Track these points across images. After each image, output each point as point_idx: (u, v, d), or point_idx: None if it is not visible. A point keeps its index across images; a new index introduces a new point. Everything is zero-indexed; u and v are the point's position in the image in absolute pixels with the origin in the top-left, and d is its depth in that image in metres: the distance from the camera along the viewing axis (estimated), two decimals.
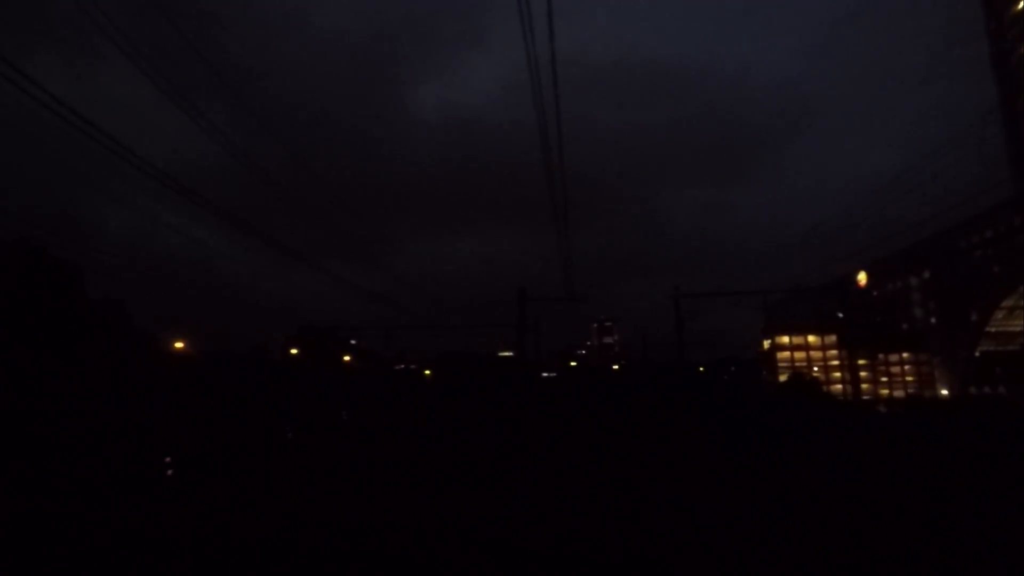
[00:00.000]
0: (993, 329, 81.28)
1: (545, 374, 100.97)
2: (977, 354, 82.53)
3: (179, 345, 53.33)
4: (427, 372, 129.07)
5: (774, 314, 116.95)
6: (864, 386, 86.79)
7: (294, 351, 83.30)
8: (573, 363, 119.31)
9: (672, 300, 35.55)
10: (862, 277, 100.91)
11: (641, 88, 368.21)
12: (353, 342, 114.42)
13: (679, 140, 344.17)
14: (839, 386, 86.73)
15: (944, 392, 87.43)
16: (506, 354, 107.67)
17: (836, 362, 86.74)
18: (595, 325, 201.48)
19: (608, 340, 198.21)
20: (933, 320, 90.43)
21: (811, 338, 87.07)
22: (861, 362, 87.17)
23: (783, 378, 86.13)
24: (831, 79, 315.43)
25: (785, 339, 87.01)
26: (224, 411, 34.87)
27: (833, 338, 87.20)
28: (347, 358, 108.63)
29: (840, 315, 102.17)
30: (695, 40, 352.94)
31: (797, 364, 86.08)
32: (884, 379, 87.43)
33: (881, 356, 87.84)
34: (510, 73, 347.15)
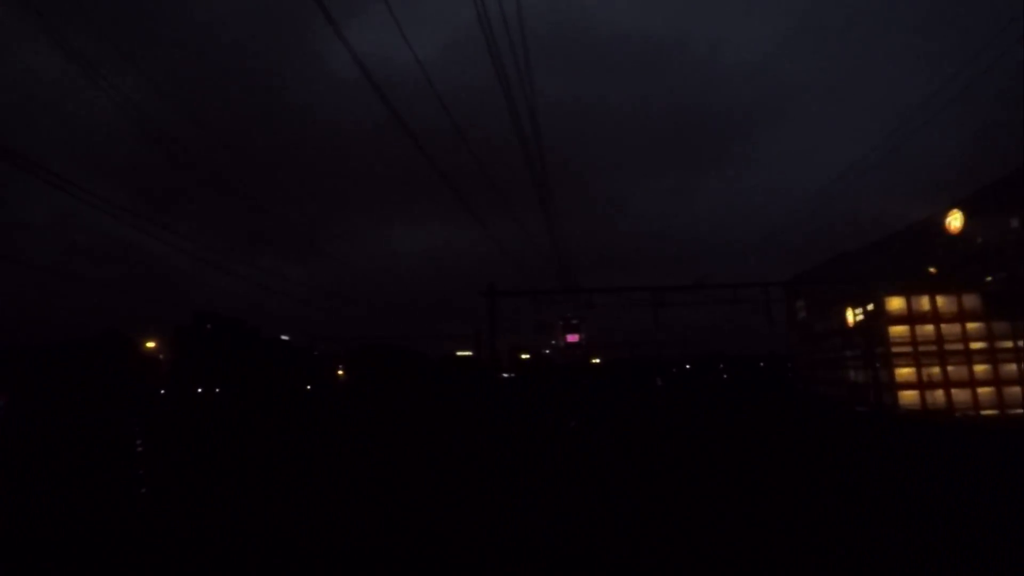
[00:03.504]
0: None
1: (505, 375, 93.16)
2: None
3: None
4: (340, 372, 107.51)
5: (801, 293, 78.52)
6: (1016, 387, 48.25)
7: None
8: (525, 355, 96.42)
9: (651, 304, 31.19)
10: (955, 219, 61.41)
11: (604, 63, 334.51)
12: (286, 338, 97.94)
13: (644, 120, 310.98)
14: (986, 388, 47.98)
15: None
16: (464, 353, 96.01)
17: (981, 344, 47.91)
18: (560, 323, 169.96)
19: (573, 339, 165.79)
20: None
21: (940, 300, 48.03)
22: (1021, 343, 48.51)
23: (905, 372, 46.92)
24: (807, 61, 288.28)
25: (898, 303, 47.72)
26: None
27: (974, 299, 48.39)
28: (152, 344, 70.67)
29: (932, 271, 64.30)
30: (664, 14, 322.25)
31: (921, 345, 46.87)
32: None
33: None
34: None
